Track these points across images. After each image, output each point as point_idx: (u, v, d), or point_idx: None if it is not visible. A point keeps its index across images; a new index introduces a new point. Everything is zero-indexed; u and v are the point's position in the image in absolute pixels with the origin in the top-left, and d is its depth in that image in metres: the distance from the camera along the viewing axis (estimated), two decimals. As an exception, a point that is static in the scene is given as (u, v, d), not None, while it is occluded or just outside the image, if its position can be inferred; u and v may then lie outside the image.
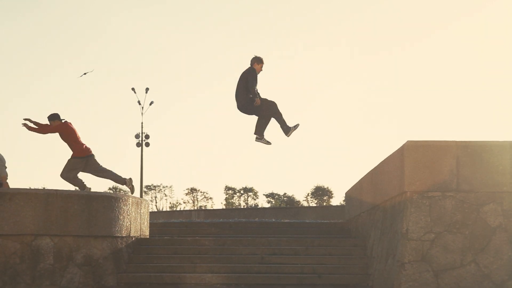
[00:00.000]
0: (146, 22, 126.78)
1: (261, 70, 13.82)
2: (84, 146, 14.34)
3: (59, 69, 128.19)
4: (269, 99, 13.65)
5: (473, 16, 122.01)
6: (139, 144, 49.91)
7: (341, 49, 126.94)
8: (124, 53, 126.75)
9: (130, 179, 14.54)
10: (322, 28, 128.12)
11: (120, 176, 14.52)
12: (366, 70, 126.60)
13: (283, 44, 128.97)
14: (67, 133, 14.25)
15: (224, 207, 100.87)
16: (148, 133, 49.86)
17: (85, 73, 17.37)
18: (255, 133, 13.83)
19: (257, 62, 13.75)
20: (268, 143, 13.85)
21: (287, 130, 13.64)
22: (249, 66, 13.77)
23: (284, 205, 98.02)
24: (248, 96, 13.44)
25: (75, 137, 14.30)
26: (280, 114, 13.68)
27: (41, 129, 14.24)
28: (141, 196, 50.17)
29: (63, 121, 14.43)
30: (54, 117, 14.36)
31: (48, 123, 14.35)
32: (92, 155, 14.37)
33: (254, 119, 13.85)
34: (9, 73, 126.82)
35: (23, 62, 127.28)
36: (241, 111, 13.67)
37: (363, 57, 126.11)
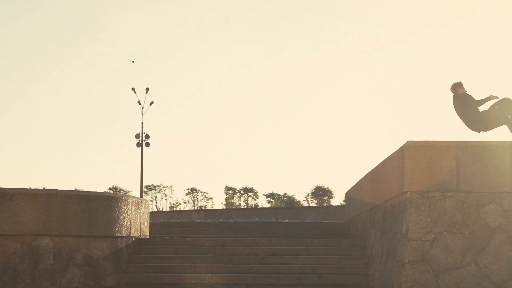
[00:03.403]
0: (146, 22, 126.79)
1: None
2: None
3: (59, 69, 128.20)
4: None
5: (473, 16, 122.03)
6: (139, 144, 49.87)
7: (340, 51, 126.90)
8: (124, 53, 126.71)
9: None
10: (318, 30, 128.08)
11: None
12: (366, 70, 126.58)
13: (282, 45, 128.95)
14: None
15: (224, 207, 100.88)
16: (148, 133, 49.80)
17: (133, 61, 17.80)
18: None
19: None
20: None
21: None
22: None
23: (284, 205, 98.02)
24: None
25: None
26: None
27: None
28: (141, 196, 50.17)
29: None
30: None
31: None
32: None
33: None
34: (9, 73, 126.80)
35: (23, 62, 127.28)
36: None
37: (363, 57, 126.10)
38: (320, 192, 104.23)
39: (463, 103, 12.92)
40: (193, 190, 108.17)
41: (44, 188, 13.24)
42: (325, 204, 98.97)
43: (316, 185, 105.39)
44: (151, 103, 50.27)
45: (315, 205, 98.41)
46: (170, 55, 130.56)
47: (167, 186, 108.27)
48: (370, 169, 13.70)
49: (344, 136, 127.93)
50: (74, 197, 12.07)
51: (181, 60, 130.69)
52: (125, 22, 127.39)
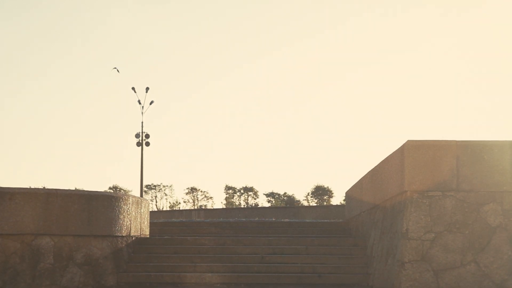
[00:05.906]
0: (146, 22, 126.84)
1: None
2: None
3: (59, 69, 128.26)
4: None
5: (473, 15, 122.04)
6: (139, 144, 49.89)
7: (340, 50, 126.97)
8: (124, 53, 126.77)
9: None
10: (318, 30, 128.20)
11: None
12: (366, 70, 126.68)
13: (282, 45, 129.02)
14: None
15: (224, 206, 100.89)
16: (148, 133, 49.85)
17: (115, 68, 18.36)
18: None
19: None
20: None
21: None
22: None
23: (284, 204, 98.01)
24: None
25: None
26: None
27: None
28: (141, 195, 50.17)
29: None
30: None
31: None
32: None
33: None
34: (8, 73, 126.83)
35: (23, 62, 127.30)
36: None
37: (363, 57, 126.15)
38: (320, 192, 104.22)
39: None
40: (193, 190, 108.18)
41: (44, 187, 13.26)
42: (325, 203, 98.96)
43: (316, 185, 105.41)
44: (151, 102, 50.29)
45: (315, 204, 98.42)
46: (170, 54, 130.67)
47: (167, 186, 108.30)
48: (370, 169, 13.70)
49: (344, 136, 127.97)
50: (74, 197, 12.07)
51: (181, 59, 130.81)
52: (125, 21, 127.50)
